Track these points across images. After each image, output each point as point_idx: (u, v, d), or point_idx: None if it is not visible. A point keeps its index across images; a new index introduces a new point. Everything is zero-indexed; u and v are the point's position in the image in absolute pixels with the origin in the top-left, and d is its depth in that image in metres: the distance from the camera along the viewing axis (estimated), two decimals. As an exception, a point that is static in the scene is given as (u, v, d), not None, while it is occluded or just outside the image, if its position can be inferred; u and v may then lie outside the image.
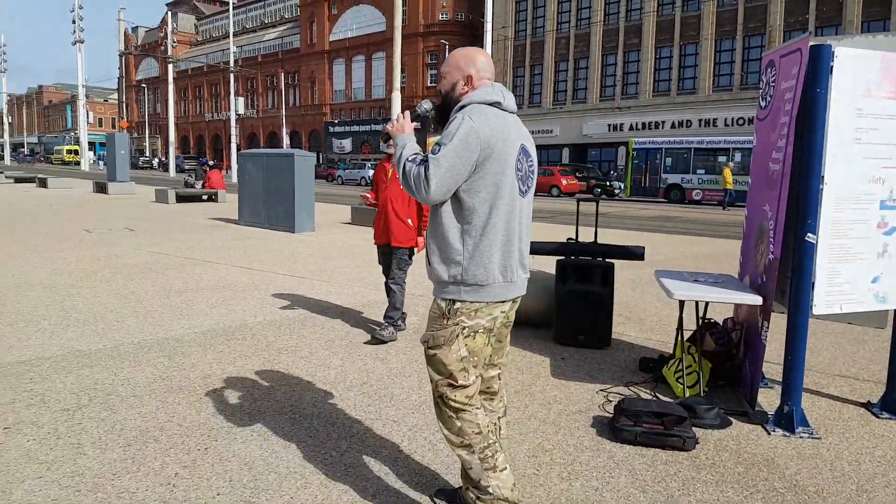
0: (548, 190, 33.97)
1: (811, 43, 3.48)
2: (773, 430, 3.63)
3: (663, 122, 39.39)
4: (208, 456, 3.06)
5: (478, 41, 53.65)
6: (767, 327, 3.78)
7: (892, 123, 3.65)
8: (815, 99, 3.47)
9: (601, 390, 4.20)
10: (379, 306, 6.29)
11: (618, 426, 3.47)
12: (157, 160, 71.07)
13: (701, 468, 3.17)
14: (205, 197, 20.82)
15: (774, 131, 3.83)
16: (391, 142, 2.45)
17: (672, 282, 4.11)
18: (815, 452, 3.39)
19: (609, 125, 41.54)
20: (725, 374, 4.31)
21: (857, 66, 3.51)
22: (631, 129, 40.47)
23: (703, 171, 29.36)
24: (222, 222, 14.15)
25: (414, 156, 2.31)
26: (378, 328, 5.18)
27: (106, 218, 14.35)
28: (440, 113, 2.46)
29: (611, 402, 3.98)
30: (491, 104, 2.34)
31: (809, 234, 3.56)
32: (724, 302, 4.02)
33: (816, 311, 3.64)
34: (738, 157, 28.49)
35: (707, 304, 4.36)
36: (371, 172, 45.04)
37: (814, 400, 4.10)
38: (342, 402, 3.82)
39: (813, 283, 3.60)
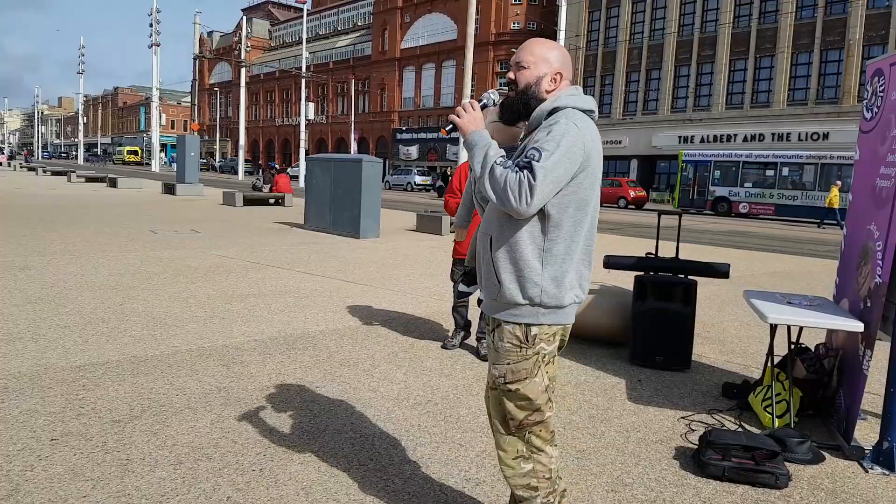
0: (615, 201, 33.33)
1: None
2: (872, 468, 3.29)
3: (735, 135, 38.07)
4: (263, 478, 2.90)
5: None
6: (870, 356, 3.39)
7: None
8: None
9: (682, 417, 3.88)
10: (443, 317, 6.10)
11: (704, 460, 3.16)
12: (218, 161, 73.13)
13: None
14: (272, 200, 21.17)
15: (884, 144, 3.44)
16: (457, 133, 2.14)
17: (764, 304, 3.76)
18: None
19: (679, 137, 40.42)
20: (816, 404, 3.93)
21: None
22: (702, 141, 39.27)
23: (750, 185, 29.45)
24: (288, 226, 14.27)
25: (502, 158, 2.01)
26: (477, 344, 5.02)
27: (172, 219, 14.68)
28: (511, 106, 2.15)
29: (693, 431, 3.67)
30: (585, 112, 2.09)
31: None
32: (822, 327, 3.65)
33: (927, 340, 3.25)
34: (785, 171, 28.53)
35: (801, 328, 3.97)
36: (417, 178, 45.26)
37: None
38: (406, 422, 3.61)
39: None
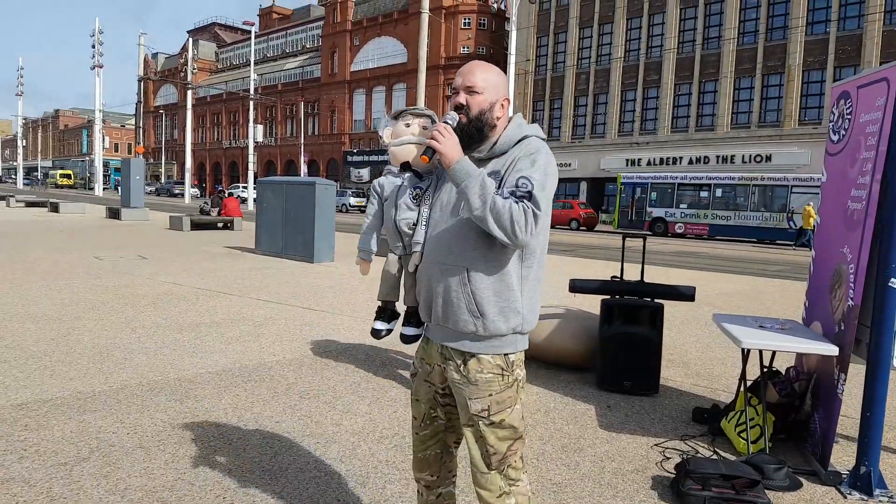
0: (567, 222, 33.82)
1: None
2: (850, 493, 3.27)
3: (681, 157, 39.17)
4: (224, 524, 2.69)
5: (498, 75, 53.97)
6: (844, 380, 3.39)
7: None
8: (905, 131, 3.12)
9: (656, 444, 3.82)
10: (411, 346, 5.92)
11: (684, 490, 3.09)
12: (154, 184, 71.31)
13: None
14: (220, 224, 20.66)
15: (853, 167, 3.47)
16: (437, 159, 1.96)
17: (737, 328, 3.73)
18: None
19: (627, 160, 41.36)
20: (788, 427, 3.92)
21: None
22: (649, 164, 40.29)
23: (685, 206, 30.51)
24: (238, 251, 13.89)
25: (495, 189, 1.89)
26: None
27: (118, 245, 14.13)
28: (464, 132, 1.99)
29: (668, 458, 3.61)
30: (542, 140, 2.06)
31: (893, 280, 3.19)
32: (798, 352, 3.64)
33: (899, 363, 3.27)
34: (718, 192, 29.66)
35: (773, 353, 3.97)
36: (352, 200, 44.77)
37: (884, 457, 3.67)
38: (373, 458, 3.44)
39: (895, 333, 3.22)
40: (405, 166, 2.18)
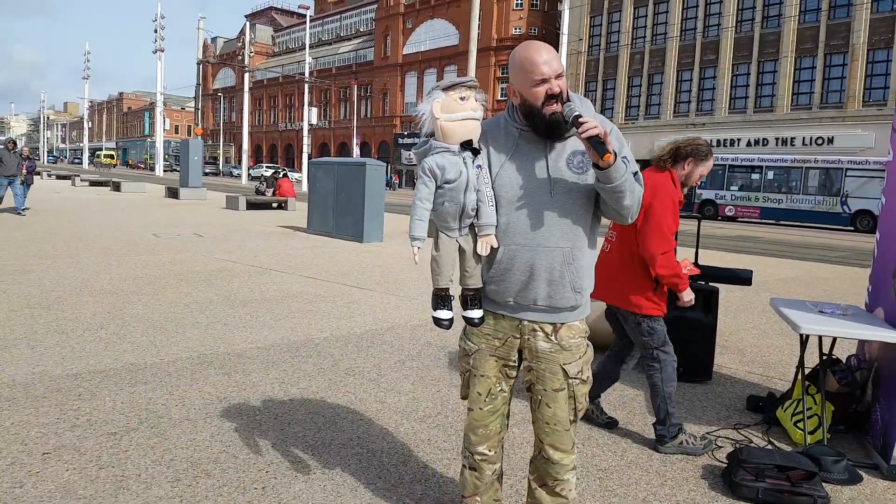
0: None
1: None
2: (915, 491, 3.06)
3: (739, 139, 37.89)
4: (266, 497, 2.71)
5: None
6: (914, 372, 3.19)
7: None
8: None
9: (708, 433, 3.68)
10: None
11: (736, 480, 2.98)
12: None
13: None
14: (275, 205, 21.02)
15: (928, 142, 3.24)
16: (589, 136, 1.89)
17: (795, 313, 3.56)
18: None
19: (683, 141, 40.24)
20: (848, 419, 3.73)
21: None
22: (710, 144, 39.04)
23: (735, 188, 29.82)
24: (291, 230, 14.10)
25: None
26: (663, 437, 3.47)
27: (175, 223, 14.51)
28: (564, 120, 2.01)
29: (720, 447, 3.48)
30: None
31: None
32: (859, 338, 3.46)
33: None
34: (770, 174, 28.96)
35: (834, 339, 3.78)
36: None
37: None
38: (415, 436, 3.42)
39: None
40: (466, 144, 2.02)
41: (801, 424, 3.54)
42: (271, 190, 24.76)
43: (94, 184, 31.65)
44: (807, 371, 3.95)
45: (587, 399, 2.23)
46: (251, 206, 20.07)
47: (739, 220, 29.27)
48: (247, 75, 45.93)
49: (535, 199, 2.05)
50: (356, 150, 59.95)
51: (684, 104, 41.02)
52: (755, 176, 29.44)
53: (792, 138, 35.71)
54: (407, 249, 11.19)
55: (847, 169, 26.75)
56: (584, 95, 36.27)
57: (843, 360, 3.93)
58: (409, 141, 60.44)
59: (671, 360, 3.40)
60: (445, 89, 2.04)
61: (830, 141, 34.07)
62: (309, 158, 40.27)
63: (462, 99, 2.03)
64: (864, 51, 33.41)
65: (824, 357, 3.72)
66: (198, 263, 8.82)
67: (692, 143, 3.50)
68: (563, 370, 2.14)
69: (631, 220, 2.10)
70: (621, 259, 3.41)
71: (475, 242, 2.10)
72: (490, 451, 2.28)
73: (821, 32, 35.05)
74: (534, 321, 2.13)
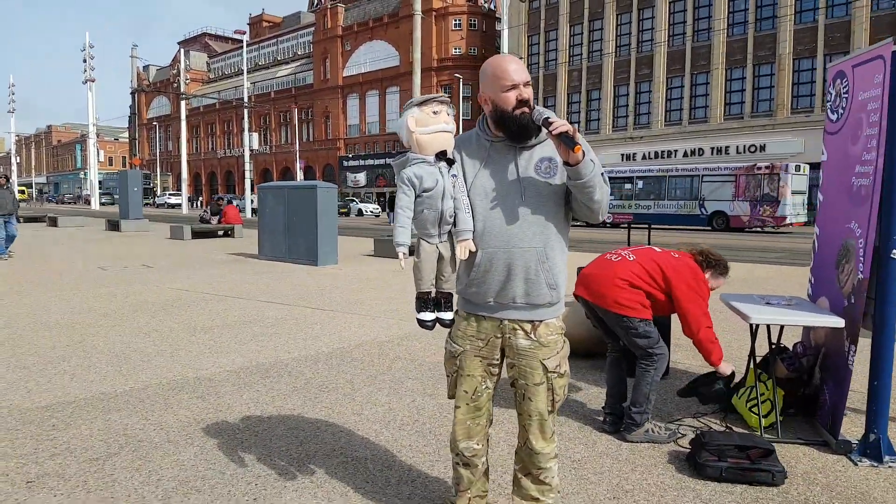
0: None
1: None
2: (860, 461, 3.37)
3: (675, 150, 39.36)
4: (260, 507, 2.77)
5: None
6: (855, 352, 3.47)
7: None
8: (900, 106, 3.22)
9: (671, 422, 3.90)
10: (417, 338, 6.01)
11: (700, 462, 3.18)
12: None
13: None
14: (221, 232, 20.73)
15: (856, 144, 3.56)
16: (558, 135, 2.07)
17: (745, 305, 3.83)
18: None
19: (622, 154, 41.53)
20: (798, 402, 4.00)
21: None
22: (644, 157, 40.44)
23: (613, 197, 31.53)
24: (242, 257, 13.97)
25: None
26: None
27: (121, 255, 14.19)
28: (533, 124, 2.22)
29: (683, 435, 3.69)
30: None
31: (895, 251, 3.29)
32: (806, 325, 3.75)
33: (903, 332, 3.36)
34: (640, 184, 31.54)
35: (781, 329, 4.06)
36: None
37: (892, 427, 3.77)
38: (396, 443, 3.53)
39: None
40: (440, 155, 2.19)
41: (755, 410, 3.78)
42: (216, 217, 24.41)
43: (28, 220, 30.50)
44: (757, 360, 4.22)
45: (565, 391, 2.39)
46: (197, 234, 19.75)
47: (621, 225, 30.97)
48: (183, 102, 45.22)
49: (508, 203, 2.22)
50: (300, 175, 59.57)
51: (622, 118, 42.36)
52: (628, 186, 31.79)
53: (726, 147, 37.31)
54: (364, 270, 11.32)
55: (703, 175, 29.14)
56: None
57: (791, 348, 4.22)
58: (354, 164, 60.40)
59: (665, 357, 3.65)
60: (419, 104, 2.20)
61: (763, 148, 35.77)
62: (252, 184, 39.83)
63: (435, 113, 2.20)
64: (790, 60, 35.26)
65: (773, 345, 4.00)
66: (151, 294, 8.69)
67: (721, 260, 3.81)
68: (543, 365, 2.30)
69: (601, 218, 2.29)
70: (630, 273, 3.59)
71: (453, 248, 2.26)
72: (478, 444, 2.42)
73: (748, 44, 36.83)
74: (514, 320, 2.30)
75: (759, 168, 27.58)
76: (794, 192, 26.80)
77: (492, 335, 2.34)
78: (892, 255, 3.27)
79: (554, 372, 2.32)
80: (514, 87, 2.17)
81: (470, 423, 2.41)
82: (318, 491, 2.94)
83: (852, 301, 3.52)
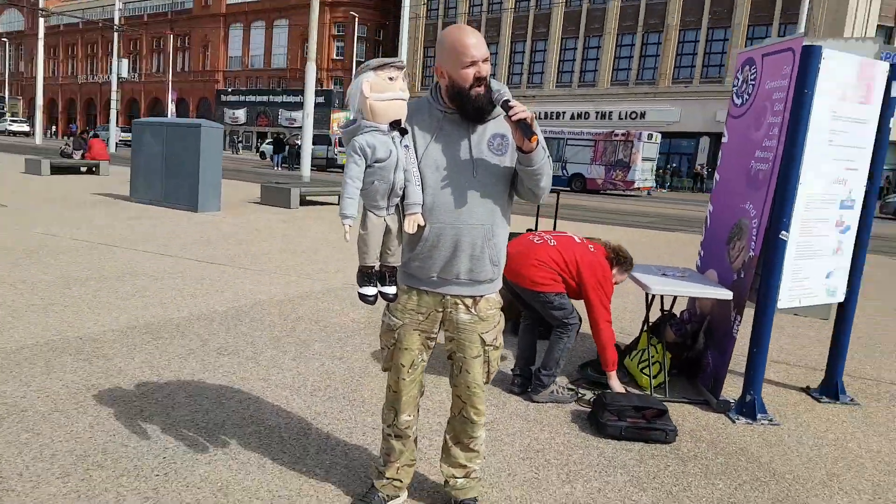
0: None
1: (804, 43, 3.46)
2: (737, 419, 3.72)
3: (564, 112, 40.51)
4: (171, 483, 2.65)
5: (389, 16, 52.57)
6: (740, 321, 3.79)
7: (859, 127, 3.74)
8: (802, 101, 3.48)
9: (573, 383, 4.12)
10: (320, 297, 5.89)
11: (603, 422, 3.41)
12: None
13: (686, 461, 3.20)
14: (84, 169, 19.12)
15: (759, 130, 3.80)
16: (519, 125, 2.11)
17: (645, 276, 4.07)
18: (779, 439, 3.52)
19: (516, 114, 42.19)
20: (681, 364, 4.34)
21: (839, 69, 3.54)
22: (537, 117, 41.24)
23: None
24: (111, 198, 12.99)
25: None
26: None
27: (-27, 190, 12.79)
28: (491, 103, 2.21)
29: (583, 395, 3.91)
30: None
31: (784, 232, 3.60)
32: (699, 297, 4.04)
33: (780, 305, 3.72)
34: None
35: (674, 298, 4.35)
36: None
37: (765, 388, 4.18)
38: (309, 410, 3.47)
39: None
40: (394, 124, 2.09)
41: (646, 371, 4.06)
42: (80, 152, 22.44)
43: None
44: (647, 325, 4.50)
45: (498, 363, 2.47)
46: (56, 170, 18.07)
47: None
48: (41, 19, 40.70)
49: (459, 179, 2.20)
50: (171, 108, 55.86)
51: (517, 76, 42.84)
52: None
53: (610, 112, 38.85)
54: (251, 219, 10.90)
55: (567, 139, 30.73)
56: (423, 60, 37.52)
57: (678, 315, 4.53)
58: (234, 99, 57.33)
59: (578, 325, 3.82)
60: (375, 69, 2.09)
61: (643, 115, 37.61)
62: (117, 116, 36.83)
63: (391, 79, 2.09)
64: (676, 31, 36.91)
65: (664, 312, 4.28)
66: (10, 238, 7.89)
67: (628, 258, 4.02)
68: (481, 338, 2.35)
69: (543, 200, 2.34)
70: (548, 256, 3.73)
71: (401, 221, 2.21)
72: (410, 416, 2.45)
73: (641, 11, 38.12)
74: (456, 295, 2.30)
75: (616, 135, 29.41)
76: (644, 159, 28.89)
77: (433, 309, 2.34)
78: (780, 236, 3.56)
79: (490, 345, 2.39)
80: (474, 63, 2.13)
81: (405, 396, 2.42)
82: (232, 463, 2.85)
83: (741, 276, 3.82)
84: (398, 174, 2.12)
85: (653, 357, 4.10)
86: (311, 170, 21.44)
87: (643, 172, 28.89)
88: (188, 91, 61.60)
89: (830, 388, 4.16)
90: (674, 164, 37.12)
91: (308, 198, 14.12)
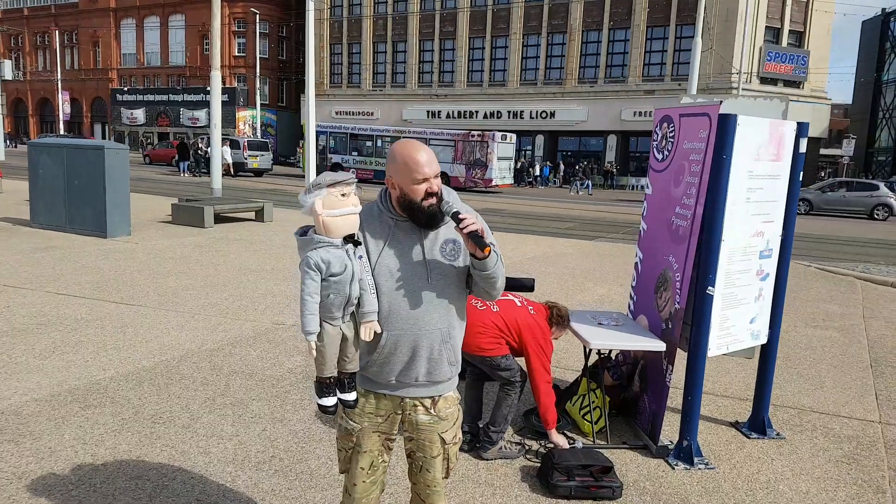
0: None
1: (720, 111, 3.67)
2: (676, 464, 3.90)
3: (477, 111, 40.96)
4: None
5: (291, 13, 51.34)
6: (672, 371, 4.00)
7: (773, 182, 4.02)
8: (721, 165, 3.70)
9: (517, 433, 4.21)
10: (250, 343, 5.74)
11: (553, 482, 3.51)
12: None
13: None
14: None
15: (678, 188, 4.02)
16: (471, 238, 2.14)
17: (583, 327, 4.21)
18: (717, 485, 3.72)
19: (428, 111, 42.34)
20: (619, 405, 4.53)
21: (752, 132, 3.79)
22: (448, 116, 41.60)
23: (356, 154, 34.19)
24: (9, 224, 12.14)
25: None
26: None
27: None
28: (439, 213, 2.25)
29: (529, 447, 4.01)
30: None
31: (710, 288, 3.82)
32: (636, 349, 4.23)
33: (710, 353, 3.95)
34: (379, 142, 33.55)
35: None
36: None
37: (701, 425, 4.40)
38: (257, 488, 3.40)
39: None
40: (347, 238, 2.13)
41: (588, 417, 4.22)
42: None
43: None
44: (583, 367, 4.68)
45: (457, 457, 2.49)
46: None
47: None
48: None
49: (414, 285, 2.22)
50: (64, 109, 52.67)
51: (427, 74, 42.91)
52: (369, 143, 33.54)
53: (521, 111, 39.65)
54: (163, 245, 10.48)
55: (430, 139, 31.98)
56: (330, 58, 37.10)
57: (613, 358, 4.72)
58: (131, 98, 54.63)
59: (524, 382, 3.94)
60: (328, 186, 2.11)
61: (553, 115, 38.64)
62: (2, 120, 34.31)
63: (343, 195, 2.12)
64: (580, 32, 38.00)
65: (601, 358, 4.45)
66: None
67: (566, 317, 4.17)
68: (441, 438, 2.37)
69: (498, 297, 2.38)
70: (491, 322, 3.83)
71: (356, 328, 2.22)
72: None
73: (544, 12, 39.00)
74: (415, 397, 2.33)
75: (473, 136, 30.96)
76: (500, 158, 30.52)
77: (392, 412, 2.35)
78: (707, 292, 3.79)
79: (451, 443, 2.40)
80: (426, 179, 2.16)
81: (365, 499, 2.41)
82: (185, 563, 2.77)
83: (669, 326, 4.03)
84: (354, 286, 2.14)
85: (593, 403, 4.26)
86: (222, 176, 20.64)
87: (500, 171, 30.49)
88: (80, 90, 58.24)
89: (758, 424, 4.41)
90: (584, 163, 38.41)
91: (223, 214, 13.68)
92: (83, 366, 5.03)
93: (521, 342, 3.86)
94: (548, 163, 39.38)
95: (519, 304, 3.99)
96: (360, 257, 2.18)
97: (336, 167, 32.03)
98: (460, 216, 2.15)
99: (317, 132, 34.71)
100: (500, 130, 32.35)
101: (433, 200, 2.19)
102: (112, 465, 3.55)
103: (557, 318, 4.08)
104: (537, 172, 38.06)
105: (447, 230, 2.27)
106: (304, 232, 2.17)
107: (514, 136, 32.19)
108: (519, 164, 36.62)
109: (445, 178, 30.15)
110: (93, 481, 3.38)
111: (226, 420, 4.21)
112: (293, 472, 3.60)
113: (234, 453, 3.78)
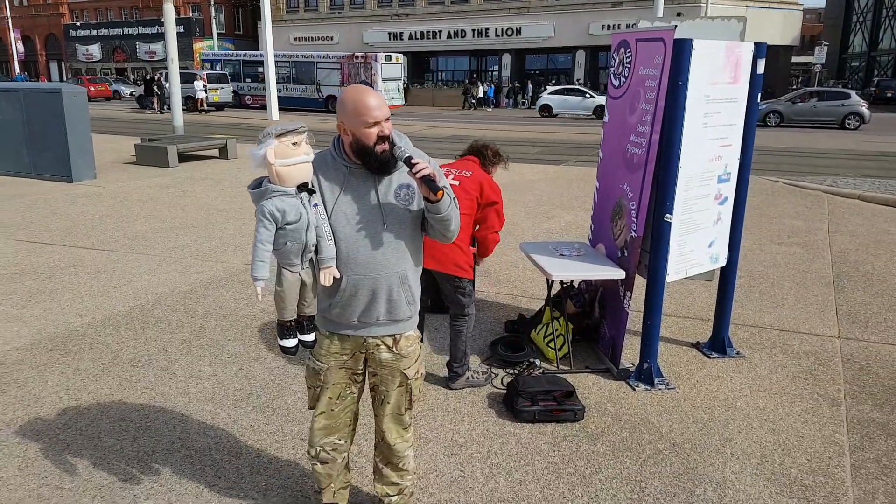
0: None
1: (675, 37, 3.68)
2: (637, 386, 4.08)
3: (440, 31, 39.88)
4: (117, 530, 2.72)
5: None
6: (630, 297, 4.15)
7: (730, 106, 4.07)
8: (677, 91, 3.73)
9: (483, 362, 4.37)
10: (223, 284, 5.81)
11: (518, 408, 3.67)
12: None
13: (595, 439, 3.49)
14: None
15: (633, 115, 4.06)
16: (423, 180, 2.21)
17: (544, 259, 4.31)
18: (676, 405, 3.88)
19: (389, 34, 41.11)
20: (582, 331, 4.69)
21: (707, 56, 3.80)
22: (411, 38, 40.48)
23: (250, 80, 34.20)
24: (-31, 170, 11.87)
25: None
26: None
27: None
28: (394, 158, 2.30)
29: (496, 375, 4.18)
30: None
31: (668, 215, 3.91)
32: (596, 279, 4.35)
33: (669, 279, 4.09)
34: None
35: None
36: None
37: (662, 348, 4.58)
38: (235, 424, 3.56)
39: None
40: (301, 186, 2.18)
41: (552, 345, 4.40)
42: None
43: None
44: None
45: (421, 390, 2.64)
46: None
47: (252, 107, 32.95)
48: None
49: (370, 230, 2.31)
50: (17, 47, 50.42)
51: (387, -9, 41.48)
52: (261, 69, 32.12)
53: (486, 29, 38.66)
54: (130, 188, 10.37)
55: (318, 63, 32.41)
56: None
57: (576, 286, 4.87)
58: (85, 34, 52.39)
59: (474, 316, 4.07)
60: (278, 136, 2.15)
61: (518, 31, 37.75)
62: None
63: (294, 144, 2.17)
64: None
65: (564, 287, 4.60)
66: None
67: (503, 155, 4.28)
68: (403, 374, 2.52)
69: (453, 240, 2.47)
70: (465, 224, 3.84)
71: (315, 273, 2.32)
72: (341, 440, 2.59)
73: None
74: (377, 336, 2.45)
75: (357, 57, 31.25)
76: (385, 79, 30.89)
77: (356, 350, 2.48)
78: (665, 219, 3.90)
79: (414, 378, 2.55)
80: (377, 123, 2.21)
81: (331, 421, 2.53)
82: (170, 495, 2.93)
83: (625, 254, 4.15)
84: (310, 233, 2.22)
85: (557, 331, 4.42)
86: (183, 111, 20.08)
87: (388, 92, 30.60)
88: (32, 27, 55.65)
89: (718, 344, 4.59)
90: (553, 80, 37.70)
91: (187, 153, 13.46)
92: (60, 313, 5.10)
93: (483, 196, 3.92)
94: (491, 83, 38.32)
95: (467, 174, 3.98)
96: (316, 205, 2.25)
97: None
98: (413, 161, 2.21)
99: (211, 61, 35.74)
100: (464, 51, 31.91)
101: (385, 146, 2.24)
102: (95, 409, 3.68)
103: (492, 158, 4.18)
104: (480, 94, 36.40)
105: (401, 175, 2.32)
106: (257, 185, 2.22)
107: (401, 55, 33.05)
108: (482, 86, 36.37)
109: (335, 101, 29.79)
110: (78, 425, 3.51)
111: (203, 361, 4.34)
112: (270, 407, 3.75)
113: (213, 392, 3.91)
